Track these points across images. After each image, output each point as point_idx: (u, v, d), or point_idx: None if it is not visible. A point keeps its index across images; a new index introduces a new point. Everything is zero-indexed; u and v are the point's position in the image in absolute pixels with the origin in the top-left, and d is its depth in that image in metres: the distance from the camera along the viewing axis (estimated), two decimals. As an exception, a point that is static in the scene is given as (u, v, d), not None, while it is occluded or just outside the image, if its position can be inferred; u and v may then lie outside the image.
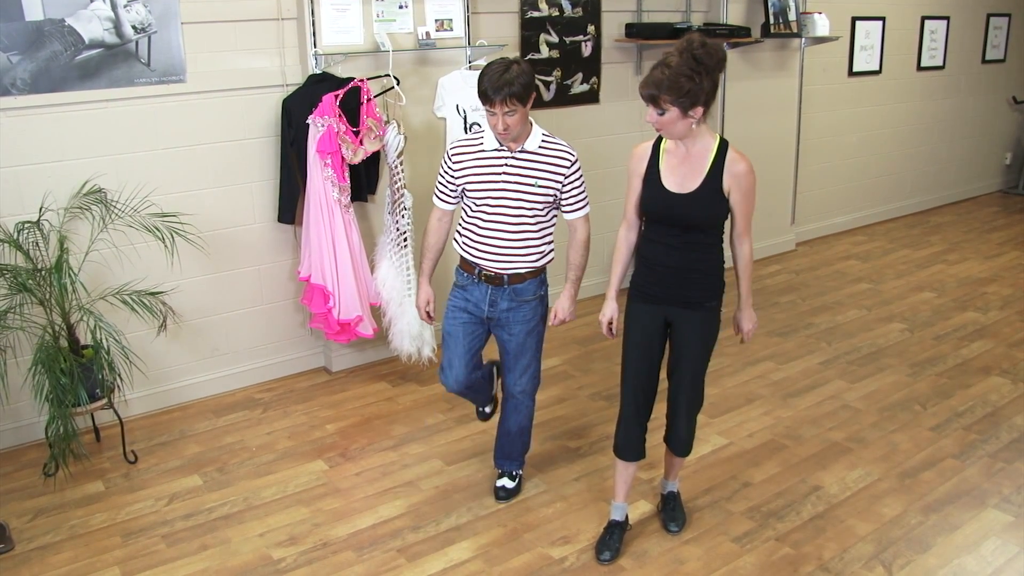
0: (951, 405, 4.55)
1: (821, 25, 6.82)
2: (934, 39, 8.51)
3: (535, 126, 3.31)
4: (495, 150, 3.29)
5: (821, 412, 4.49)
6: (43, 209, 3.96)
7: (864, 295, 6.35)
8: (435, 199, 3.48)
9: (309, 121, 4.42)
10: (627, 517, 3.46)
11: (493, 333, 3.53)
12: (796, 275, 6.86)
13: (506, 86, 3.07)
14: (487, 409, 3.99)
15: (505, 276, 3.37)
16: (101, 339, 3.86)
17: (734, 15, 6.46)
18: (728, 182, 2.96)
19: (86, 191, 4.07)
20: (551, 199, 3.32)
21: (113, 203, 4.11)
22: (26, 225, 3.86)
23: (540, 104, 5.63)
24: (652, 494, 3.73)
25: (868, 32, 7.82)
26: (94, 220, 4.07)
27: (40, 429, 3.98)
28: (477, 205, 3.33)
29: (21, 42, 3.90)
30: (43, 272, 3.83)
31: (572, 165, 3.31)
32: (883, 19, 7.91)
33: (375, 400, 4.71)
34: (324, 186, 4.44)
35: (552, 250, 3.45)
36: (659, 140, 3.08)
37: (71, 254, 3.92)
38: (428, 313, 3.60)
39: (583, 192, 3.38)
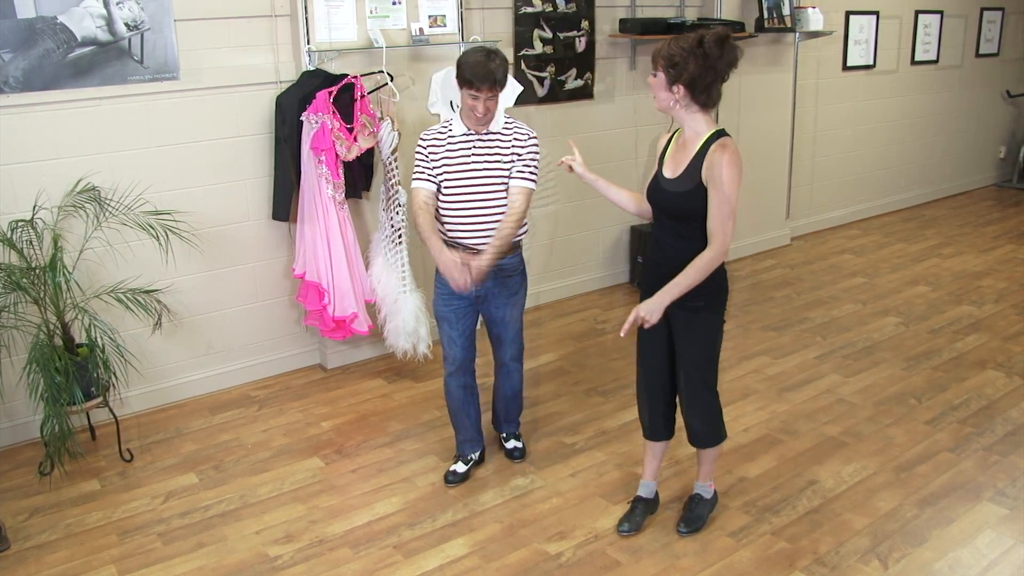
0: (946, 399, 4.56)
1: (815, 19, 6.82)
2: (928, 33, 8.52)
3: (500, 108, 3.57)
4: (463, 135, 3.51)
5: (816, 406, 4.50)
6: (37, 207, 3.96)
7: (859, 289, 6.36)
8: (417, 183, 3.57)
9: (303, 118, 4.42)
10: (657, 496, 3.55)
11: (480, 310, 3.71)
12: (791, 269, 6.87)
13: (491, 74, 3.32)
14: (459, 468, 3.87)
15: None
16: (96, 337, 3.85)
17: (728, 9, 6.45)
18: (705, 171, 2.93)
19: (80, 189, 4.06)
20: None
21: (107, 201, 4.10)
22: (20, 223, 3.85)
23: (534, 100, 5.63)
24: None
25: (862, 26, 7.82)
26: (88, 218, 4.06)
27: (35, 428, 3.97)
28: (453, 190, 3.52)
29: (13, 40, 3.89)
30: (37, 271, 3.83)
31: (528, 139, 3.55)
32: (876, 13, 7.91)
33: (371, 397, 4.71)
34: (318, 183, 4.43)
35: (525, 225, 3.67)
36: (677, 130, 3.15)
37: (65, 252, 3.91)
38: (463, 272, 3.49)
39: (532, 165, 3.55)
